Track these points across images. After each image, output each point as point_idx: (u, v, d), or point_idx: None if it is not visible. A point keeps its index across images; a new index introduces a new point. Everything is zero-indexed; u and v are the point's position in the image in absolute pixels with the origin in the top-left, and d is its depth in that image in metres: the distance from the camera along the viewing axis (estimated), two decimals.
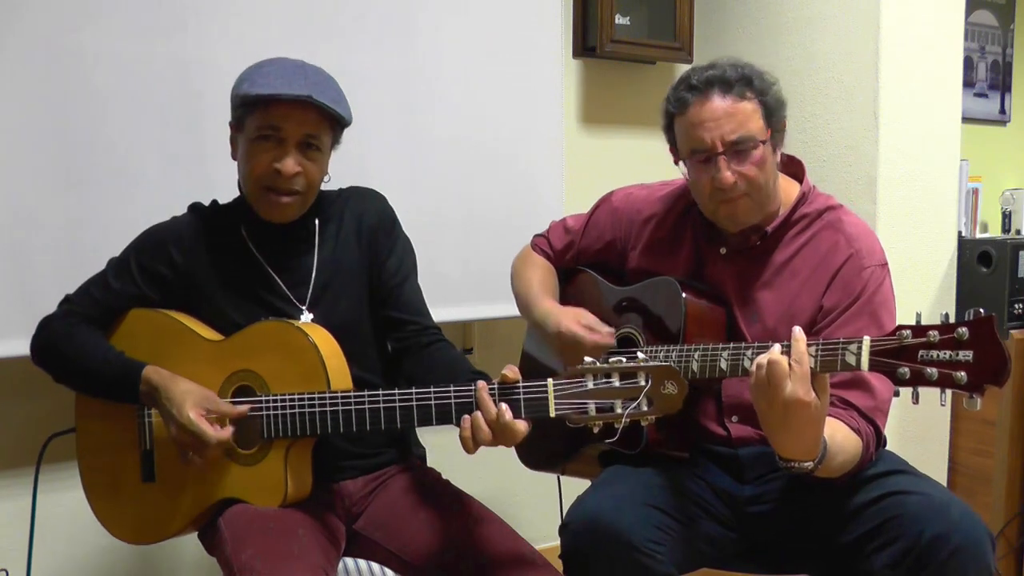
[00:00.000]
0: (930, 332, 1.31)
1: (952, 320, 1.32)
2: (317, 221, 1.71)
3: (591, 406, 1.39)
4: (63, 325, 1.65)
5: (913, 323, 1.34)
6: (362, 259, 1.73)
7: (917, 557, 1.47)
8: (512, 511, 2.68)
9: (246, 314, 1.64)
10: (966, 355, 1.29)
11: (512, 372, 1.44)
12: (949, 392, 1.33)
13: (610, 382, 1.39)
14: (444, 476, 1.80)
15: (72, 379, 1.66)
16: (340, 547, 1.64)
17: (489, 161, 2.48)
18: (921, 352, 1.31)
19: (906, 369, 1.32)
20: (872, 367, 1.36)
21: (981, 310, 1.30)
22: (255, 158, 1.59)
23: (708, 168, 1.63)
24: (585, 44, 2.83)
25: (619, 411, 1.38)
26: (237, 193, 1.73)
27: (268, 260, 1.68)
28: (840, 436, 1.51)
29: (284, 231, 1.68)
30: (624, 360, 1.39)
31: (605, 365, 1.39)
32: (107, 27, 2.00)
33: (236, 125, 1.63)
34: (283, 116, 1.56)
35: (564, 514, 1.65)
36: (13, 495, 2.14)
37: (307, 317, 1.66)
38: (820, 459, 1.45)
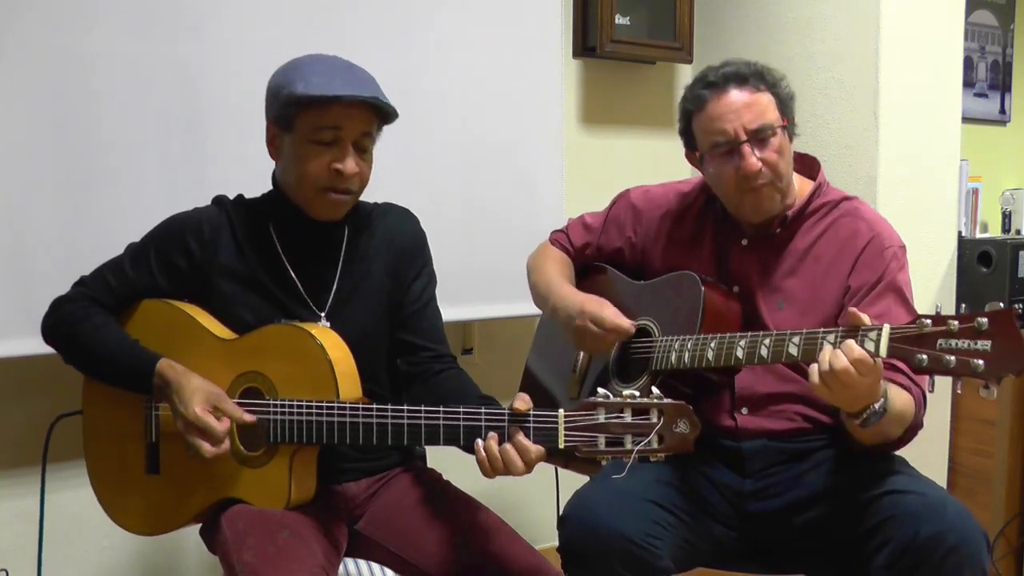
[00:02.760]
0: (950, 322, 1.33)
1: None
2: (347, 230, 1.70)
3: (601, 439, 1.38)
4: (77, 308, 1.63)
5: (933, 313, 1.36)
6: (388, 277, 1.72)
7: (913, 556, 1.48)
8: (511, 511, 2.68)
9: (259, 315, 1.63)
10: (984, 344, 1.30)
11: (523, 403, 1.44)
12: (962, 381, 1.34)
13: (622, 417, 1.38)
14: (445, 477, 1.80)
15: (82, 363, 1.65)
16: (341, 549, 1.64)
17: (489, 161, 2.48)
18: (940, 340, 1.33)
19: (924, 356, 1.34)
20: (891, 353, 1.38)
21: (1000, 303, 1.32)
22: (313, 160, 1.56)
23: (731, 159, 1.68)
24: (585, 44, 2.83)
25: (629, 447, 1.38)
26: (251, 190, 1.72)
27: (292, 262, 1.66)
28: (893, 390, 1.53)
29: (313, 235, 1.66)
30: (638, 395, 1.39)
31: (617, 400, 1.39)
32: (107, 27, 2.00)
33: (281, 125, 1.59)
34: (343, 116, 1.55)
35: (560, 511, 1.66)
36: (13, 495, 2.14)
37: (324, 325, 1.64)
38: (884, 397, 1.48)
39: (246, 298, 1.64)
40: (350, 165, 1.57)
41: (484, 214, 2.47)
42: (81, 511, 2.16)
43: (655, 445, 1.37)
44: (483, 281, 2.39)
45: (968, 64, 3.62)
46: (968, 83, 3.62)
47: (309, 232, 1.65)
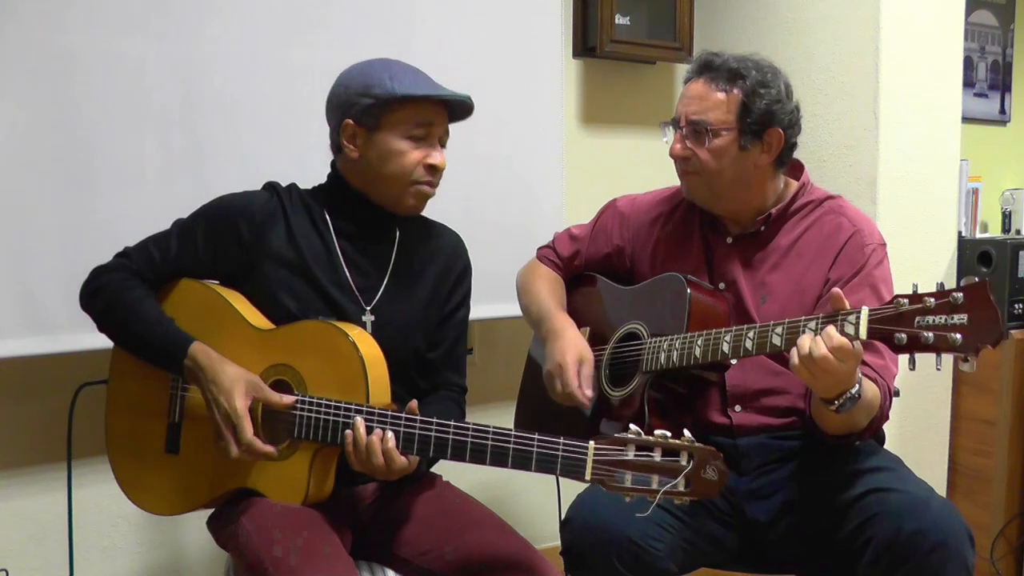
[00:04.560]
0: (926, 298, 1.35)
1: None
2: (400, 233, 1.73)
3: (628, 476, 1.37)
4: (118, 278, 1.63)
5: (910, 292, 1.38)
6: (435, 297, 1.75)
7: (896, 554, 1.49)
8: (514, 512, 2.68)
9: (302, 302, 1.63)
10: (961, 318, 1.32)
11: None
12: (948, 357, 1.36)
13: (651, 456, 1.36)
14: (445, 478, 1.80)
15: (115, 334, 1.65)
16: (347, 550, 1.63)
17: (489, 161, 2.48)
18: (918, 318, 1.35)
19: (903, 335, 1.36)
20: (871, 335, 1.40)
21: (975, 278, 1.34)
22: (408, 154, 1.63)
23: (675, 136, 1.78)
24: (585, 44, 2.83)
25: (655, 487, 1.36)
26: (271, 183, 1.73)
27: (344, 254, 1.68)
28: (864, 380, 1.54)
29: (370, 230, 1.70)
30: (669, 435, 1.37)
31: (649, 438, 1.37)
32: (106, 27, 1.99)
33: (367, 123, 1.62)
34: (434, 113, 1.64)
35: (563, 514, 1.66)
36: (13, 495, 2.14)
37: (369, 319, 1.66)
38: (859, 383, 1.49)
39: (291, 284, 1.64)
40: (442, 159, 1.66)
41: (484, 214, 2.47)
42: (82, 512, 2.17)
43: (681, 488, 1.35)
44: (483, 281, 2.37)
45: (968, 64, 3.61)
46: (968, 83, 3.61)
47: (366, 226, 1.70)
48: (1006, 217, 3.58)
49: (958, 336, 1.31)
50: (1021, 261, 2.85)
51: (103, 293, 1.63)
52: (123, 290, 1.62)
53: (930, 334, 1.33)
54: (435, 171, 1.66)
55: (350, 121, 1.63)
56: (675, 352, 1.68)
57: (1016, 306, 2.86)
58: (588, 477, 1.39)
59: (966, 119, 3.01)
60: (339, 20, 2.24)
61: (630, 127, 2.96)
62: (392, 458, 1.49)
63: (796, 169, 1.85)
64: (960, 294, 1.32)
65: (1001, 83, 3.83)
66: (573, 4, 2.80)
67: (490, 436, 1.46)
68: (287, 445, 1.57)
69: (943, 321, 1.33)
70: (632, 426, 1.39)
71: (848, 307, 1.44)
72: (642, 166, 2.93)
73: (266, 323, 1.63)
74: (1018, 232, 3.53)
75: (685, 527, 1.65)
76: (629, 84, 2.95)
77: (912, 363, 1.39)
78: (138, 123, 2.05)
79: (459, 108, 1.69)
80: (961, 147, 2.84)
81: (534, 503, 2.76)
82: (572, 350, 1.78)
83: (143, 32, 2.03)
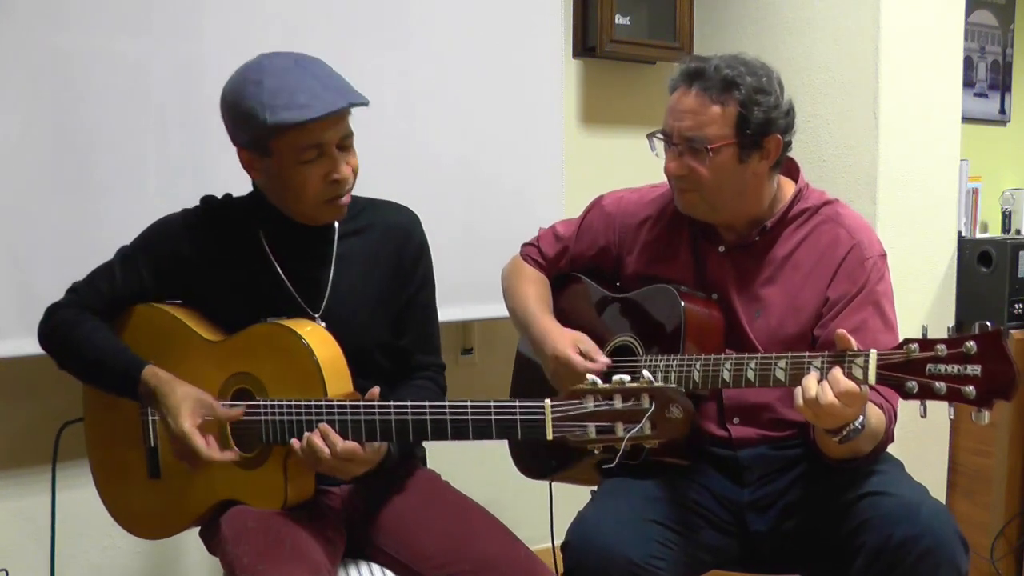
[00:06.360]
0: (937, 346, 1.31)
1: (958, 332, 1.32)
2: (337, 226, 1.67)
3: (591, 428, 1.33)
4: (70, 314, 1.63)
5: (920, 336, 1.34)
6: (391, 283, 1.70)
7: (887, 560, 1.47)
8: (508, 512, 2.67)
9: (250, 318, 1.61)
10: (974, 369, 1.28)
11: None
12: (954, 406, 1.33)
13: (611, 403, 1.33)
14: (444, 478, 1.80)
15: (75, 369, 1.65)
16: (340, 550, 1.64)
17: (489, 161, 2.48)
18: (929, 366, 1.32)
19: (914, 383, 1.33)
20: (879, 381, 1.36)
21: (988, 323, 1.30)
22: (309, 180, 1.53)
23: (667, 151, 1.70)
24: (585, 44, 2.83)
25: (620, 434, 1.32)
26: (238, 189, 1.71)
27: (282, 265, 1.64)
28: (869, 407, 1.52)
29: (303, 237, 1.64)
30: (627, 379, 1.33)
31: (607, 386, 1.33)
32: (106, 27, 2.00)
33: (257, 150, 1.54)
34: (321, 131, 1.50)
35: (554, 515, 1.64)
36: (14, 495, 2.14)
37: (320, 324, 1.62)
38: (863, 414, 1.47)
39: (236, 302, 1.63)
40: (344, 171, 1.56)
41: (484, 214, 2.47)
42: (81, 511, 2.16)
43: (648, 432, 1.32)
44: (483, 281, 2.38)
45: (968, 64, 3.61)
46: (968, 83, 3.61)
47: (298, 234, 1.64)
48: (1006, 217, 3.58)
49: (971, 388, 1.28)
50: (1021, 261, 2.84)
51: (57, 332, 1.63)
52: (75, 324, 1.62)
53: (942, 384, 1.30)
54: (341, 184, 1.55)
55: (243, 149, 1.56)
56: (672, 374, 1.64)
57: (1016, 306, 2.86)
58: (550, 436, 1.36)
59: (966, 119, 3.00)
60: (337, 20, 2.24)
61: (630, 127, 2.96)
62: (332, 441, 1.47)
63: (791, 169, 1.79)
64: (973, 343, 1.28)
65: (1001, 83, 3.82)
66: (573, 4, 2.80)
67: (447, 410, 1.45)
68: (258, 452, 1.56)
69: (955, 371, 1.29)
70: (589, 376, 1.36)
71: (854, 347, 1.40)
72: (642, 166, 2.90)
73: (220, 335, 1.62)
74: (1018, 232, 3.53)
75: (686, 541, 1.64)
76: (629, 84, 2.95)
77: (923, 410, 1.35)
78: (138, 123, 2.05)
79: (361, 106, 1.53)
80: (961, 147, 2.83)
81: (528, 505, 2.75)
82: (564, 338, 1.75)
83: (143, 32, 2.04)
